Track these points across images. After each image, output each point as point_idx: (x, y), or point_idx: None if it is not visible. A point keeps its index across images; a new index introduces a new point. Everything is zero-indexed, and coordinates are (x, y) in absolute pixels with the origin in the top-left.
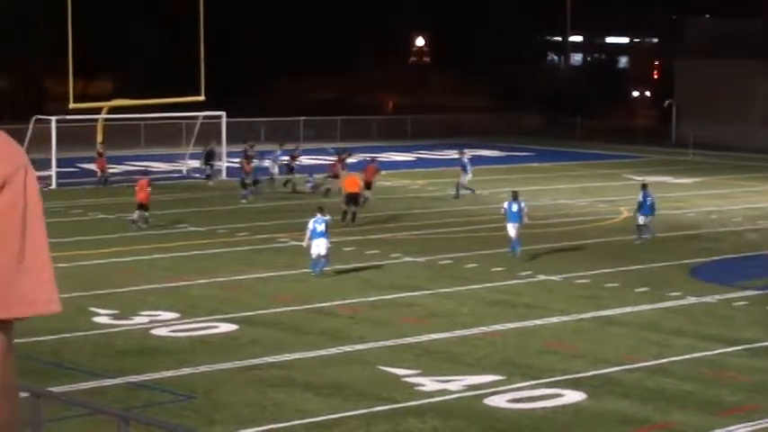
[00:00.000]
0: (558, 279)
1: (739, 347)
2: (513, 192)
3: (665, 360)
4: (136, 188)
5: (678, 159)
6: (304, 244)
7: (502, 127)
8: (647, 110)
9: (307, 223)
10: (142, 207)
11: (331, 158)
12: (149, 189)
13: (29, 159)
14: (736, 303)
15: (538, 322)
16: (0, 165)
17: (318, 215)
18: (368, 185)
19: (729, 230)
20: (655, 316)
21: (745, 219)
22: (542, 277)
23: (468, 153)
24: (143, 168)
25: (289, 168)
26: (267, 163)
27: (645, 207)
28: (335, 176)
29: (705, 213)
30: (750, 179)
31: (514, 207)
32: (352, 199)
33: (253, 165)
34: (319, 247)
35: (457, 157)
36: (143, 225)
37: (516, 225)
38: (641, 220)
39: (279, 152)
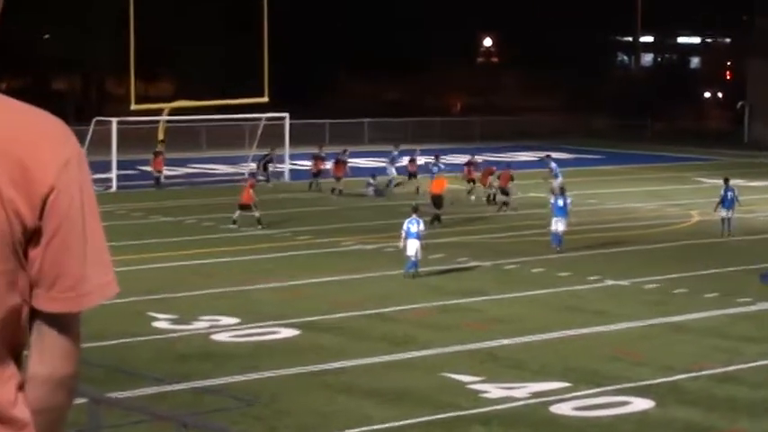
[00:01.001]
0: (626, 284)
1: None
2: (561, 187)
3: (734, 367)
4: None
5: (751, 162)
6: (400, 245)
7: (571, 129)
8: (719, 111)
9: (402, 225)
10: (244, 208)
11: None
12: (252, 191)
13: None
14: None
15: (604, 328)
16: (60, 147)
17: (414, 215)
18: (504, 192)
19: None
20: (724, 322)
21: None
22: (610, 282)
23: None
24: (243, 171)
25: (409, 174)
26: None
27: (726, 201)
28: (413, 176)
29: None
30: None
31: (560, 201)
32: (436, 201)
33: (346, 168)
34: (411, 248)
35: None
36: (257, 226)
37: (561, 220)
38: (724, 213)
39: (395, 153)
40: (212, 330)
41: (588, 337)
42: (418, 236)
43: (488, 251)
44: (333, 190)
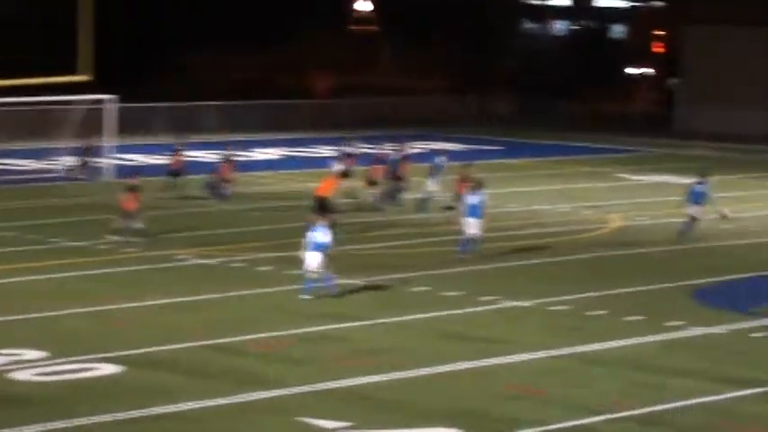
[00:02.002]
0: (528, 305)
1: (758, 390)
2: (475, 180)
3: (661, 407)
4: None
5: (683, 154)
6: (301, 255)
7: (465, 113)
8: (647, 92)
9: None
10: (127, 216)
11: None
12: (137, 194)
13: None
14: (752, 335)
15: (502, 360)
16: None
17: (318, 222)
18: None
19: (746, 243)
20: (649, 351)
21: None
22: (509, 303)
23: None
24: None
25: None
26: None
27: (695, 194)
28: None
29: (716, 222)
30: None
31: (475, 199)
32: (321, 204)
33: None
34: (312, 261)
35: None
36: (132, 238)
37: (476, 222)
38: (692, 210)
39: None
40: (11, 367)
41: (481, 371)
42: (324, 248)
43: (360, 264)
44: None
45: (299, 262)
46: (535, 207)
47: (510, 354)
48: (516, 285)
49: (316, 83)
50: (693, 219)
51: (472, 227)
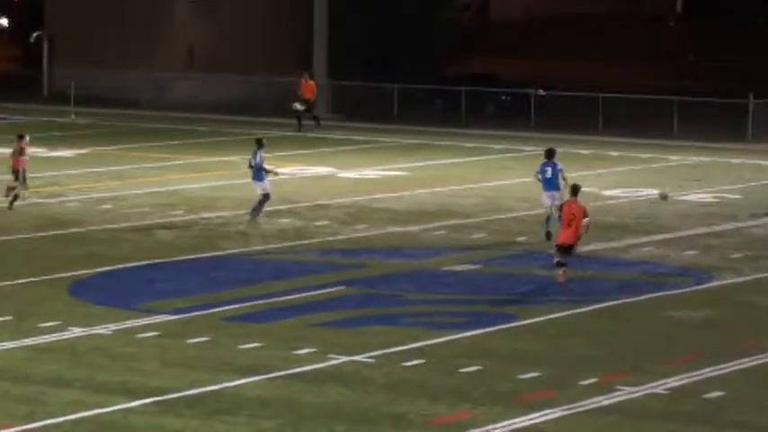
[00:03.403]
0: None
1: (148, 400)
2: None
3: (40, 424)
4: None
5: (54, 122)
6: None
7: None
8: (4, 47)
9: None
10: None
11: None
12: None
13: None
14: (141, 335)
15: None
16: None
17: None
18: None
19: (129, 227)
20: (20, 358)
21: (155, 208)
22: None
23: None
24: None
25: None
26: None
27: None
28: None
29: (102, 201)
30: (164, 149)
31: None
32: None
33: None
34: None
35: None
36: None
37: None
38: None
39: None
40: None
41: None
42: None
43: None
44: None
45: None
46: None
47: None
48: None
49: None
50: None
51: None
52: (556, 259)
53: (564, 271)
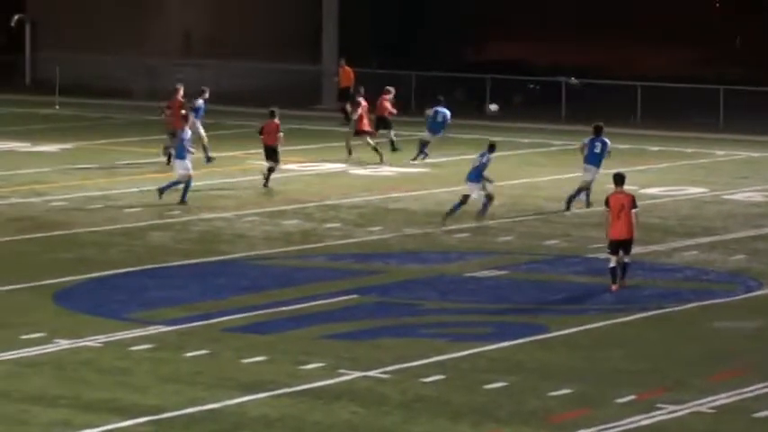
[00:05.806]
0: None
1: (141, 420)
2: None
3: None
4: None
5: (37, 113)
6: None
7: None
8: None
9: None
10: None
11: None
12: None
13: None
14: (133, 348)
15: None
16: None
17: None
18: None
19: (119, 228)
20: (8, 372)
21: (149, 208)
22: None
23: None
24: None
25: None
26: None
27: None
28: None
29: (90, 201)
30: (158, 143)
31: None
32: None
33: None
34: None
35: None
36: None
37: None
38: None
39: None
40: None
41: None
42: None
43: None
44: None
45: None
46: None
47: None
48: None
49: None
50: None
51: None
52: (611, 264)
53: (618, 285)
